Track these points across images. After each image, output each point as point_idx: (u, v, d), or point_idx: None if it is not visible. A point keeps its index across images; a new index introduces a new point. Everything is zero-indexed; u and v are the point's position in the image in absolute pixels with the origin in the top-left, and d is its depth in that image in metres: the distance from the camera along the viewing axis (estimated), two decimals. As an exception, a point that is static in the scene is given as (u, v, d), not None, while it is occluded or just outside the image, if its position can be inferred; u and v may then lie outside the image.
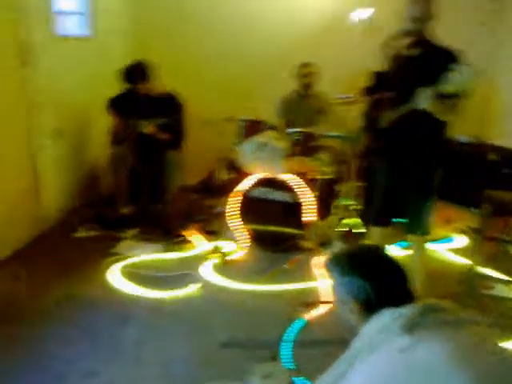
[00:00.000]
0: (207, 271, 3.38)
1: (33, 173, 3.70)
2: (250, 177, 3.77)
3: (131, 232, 3.91)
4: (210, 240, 3.86)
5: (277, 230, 3.74)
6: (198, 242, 3.80)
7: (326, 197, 4.01)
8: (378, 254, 1.56)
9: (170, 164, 4.03)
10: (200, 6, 5.22)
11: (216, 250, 3.65)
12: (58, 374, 2.34)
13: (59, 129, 3.94)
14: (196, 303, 3.02)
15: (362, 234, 3.96)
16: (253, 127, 3.91)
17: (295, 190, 3.66)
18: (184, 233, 3.91)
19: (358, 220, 4.09)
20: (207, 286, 3.21)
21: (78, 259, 3.46)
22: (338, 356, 1.43)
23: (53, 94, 3.85)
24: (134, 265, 3.43)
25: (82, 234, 3.85)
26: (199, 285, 3.18)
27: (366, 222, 3.56)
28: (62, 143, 4.00)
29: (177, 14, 5.22)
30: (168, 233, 3.92)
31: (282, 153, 3.66)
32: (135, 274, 3.27)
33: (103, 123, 4.23)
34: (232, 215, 3.77)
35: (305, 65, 4.38)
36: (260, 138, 3.72)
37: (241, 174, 4.13)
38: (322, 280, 3.28)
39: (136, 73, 3.95)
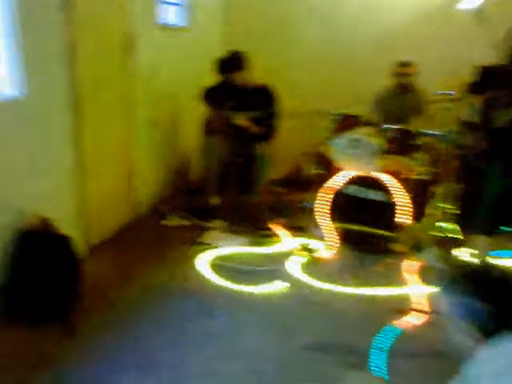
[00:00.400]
0: (294, 268, 3.32)
1: (128, 160, 3.81)
2: (341, 173, 3.63)
3: (219, 223, 3.93)
4: (295, 236, 3.79)
5: (367, 230, 3.58)
6: (284, 238, 3.74)
7: (421, 198, 3.78)
8: (499, 275, 1.43)
9: (260, 157, 3.99)
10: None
11: (303, 247, 3.57)
12: (147, 361, 2.38)
13: (154, 118, 4.03)
14: (282, 301, 2.96)
15: (458, 240, 3.72)
16: (346, 122, 3.77)
17: (389, 190, 3.49)
18: (271, 227, 3.87)
19: (455, 225, 3.83)
20: (294, 283, 3.14)
21: (166, 247, 3.54)
22: (432, 371, 1.32)
23: (150, 83, 3.94)
24: (220, 256, 3.44)
25: (171, 222, 3.93)
26: (286, 282, 3.12)
27: (467, 228, 3.31)
28: (155, 132, 4.10)
29: (271, 7, 5.18)
30: (255, 226, 3.89)
31: (376, 150, 3.49)
32: (222, 266, 3.27)
33: (196, 113, 4.28)
34: (321, 212, 3.66)
35: (403, 64, 4.15)
36: (354, 134, 3.57)
37: (331, 170, 4.01)
38: (415, 287, 3.10)
39: (232, 63, 3.93)
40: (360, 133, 3.57)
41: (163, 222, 3.92)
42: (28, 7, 2.54)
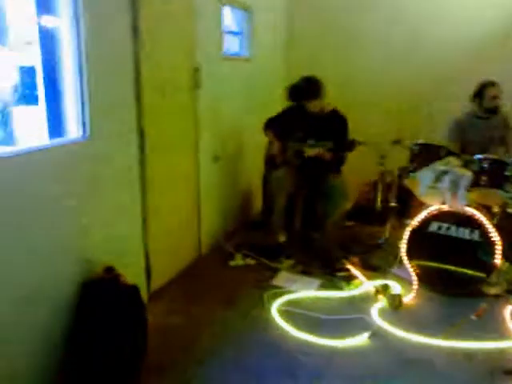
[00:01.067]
0: (377, 317, 2.98)
1: (192, 197, 3.62)
2: (427, 208, 3.29)
3: (288, 262, 3.65)
4: (370, 277, 3.45)
5: (456, 270, 3.21)
6: (361, 280, 3.41)
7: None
8: None
9: (333, 189, 3.70)
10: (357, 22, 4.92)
11: (383, 291, 3.23)
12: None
13: (217, 152, 3.85)
14: (372, 358, 2.62)
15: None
16: (429, 152, 3.44)
17: (480, 227, 3.12)
18: (345, 267, 3.55)
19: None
20: (381, 335, 2.81)
21: (234, 290, 3.27)
22: None
23: (214, 116, 3.77)
24: (295, 302, 3.14)
25: (238, 262, 3.67)
26: (372, 333, 2.78)
27: None
28: (218, 167, 3.90)
29: (336, 33, 4.98)
30: (328, 266, 3.59)
31: (466, 183, 3.14)
32: (298, 314, 2.98)
33: (259, 146, 4.08)
34: (405, 251, 3.32)
35: (493, 84, 3.79)
36: (442, 166, 3.24)
37: (410, 204, 3.70)
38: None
39: (308, 90, 3.67)
40: (448, 164, 3.24)
41: (230, 263, 3.67)
42: (98, 46, 2.40)
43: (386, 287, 3.26)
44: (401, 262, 3.46)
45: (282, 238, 3.87)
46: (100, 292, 2.47)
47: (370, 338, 2.75)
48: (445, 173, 3.20)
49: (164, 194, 3.13)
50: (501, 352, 2.64)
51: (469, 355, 2.62)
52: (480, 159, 3.28)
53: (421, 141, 3.53)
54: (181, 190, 3.44)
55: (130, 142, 2.78)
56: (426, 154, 3.44)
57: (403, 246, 3.34)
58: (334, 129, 3.71)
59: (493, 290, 3.23)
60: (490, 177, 3.23)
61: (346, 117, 3.78)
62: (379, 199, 4.19)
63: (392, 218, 4.08)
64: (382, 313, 3.02)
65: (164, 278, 3.27)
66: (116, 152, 2.66)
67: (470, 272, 3.19)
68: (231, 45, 4.28)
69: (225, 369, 2.49)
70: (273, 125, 3.88)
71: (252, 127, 4.18)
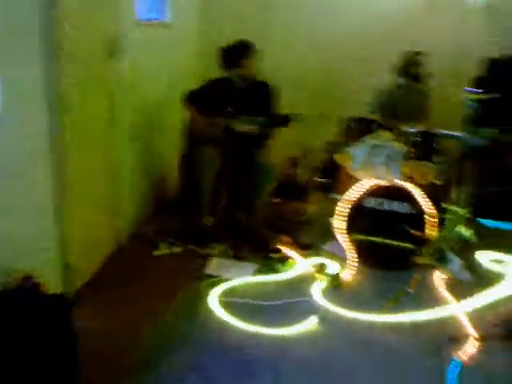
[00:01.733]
0: (320, 297, 2.89)
1: (113, 180, 3.21)
2: (361, 183, 3.24)
3: (219, 248, 3.42)
4: (304, 256, 3.35)
5: (390, 244, 3.22)
6: (297, 260, 3.29)
7: (438, 205, 3.48)
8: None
9: (261, 166, 3.50)
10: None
11: (321, 270, 3.14)
12: None
13: (136, 130, 3.45)
14: (323, 341, 2.51)
15: (476, 244, 3.47)
16: (361, 126, 3.38)
17: (415, 200, 3.14)
18: (279, 248, 3.41)
19: (471, 229, 3.57)
20: (328, 317, 2.71)
21: (166, 283, 2.97)
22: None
23: (131, 88, 3.34)
24: (233, 290, 2.94)
25: (163, 250, 3.36)
26: (318, 316, 2.68)
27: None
28: (136, 146, 3.51)
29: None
30: (260, 248, 3.42)
31: (401, 157, 3.13)
32: (239, 303, 2.78)
33: (176, 121, 3.74)
34: (339, 227, 3.25)
35: (418, 53, 3.83)
36: (376, 140, 3.19)
37: (340, 179, 3.64)
38: (457, 305, 2.78)
39: (241, 47, 3.42)
40: (382, 138, 3.19)
41: (155, 252, 3.34)
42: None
43: (323, 266, 3.18)
44: (334, 238, 3.40)
45: (209, 221, 3.62)
46: (16, 304, 2.06)
47: (318, 321, 2.65)
48: (379, 147, 3.16)
49: (78, 180, 2.69)
50: (442, 322, 2.69)
51: (414, 328, 2.63)
52: (412, 133, 3.28)
53: (353, 115, 3.46)
54: (96, 173, 3.01)
55: (37, 121, 2.33)
56: (358, 129, 3.37)
57: (337, 222, 3.28)
58: (263, 102, 3.50)
59: (423, 261, 3.30)
60: (421, 150, 3.26)
61: (275, 88, 3.58)
62: (304, 175, 4.10)
63: (318, 193, 4.01)
64: (325, 293, 2.93)
65: (85, 277, 2.87)
66: (23, 135, 2.20)
67: (402, 245, 3.22)
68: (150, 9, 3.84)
69: (171, 375, 2.22)
70: (195, 99, 3.56)
71: (171, 101, 3.82)
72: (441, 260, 3.30)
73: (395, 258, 3.23)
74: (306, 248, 3.49)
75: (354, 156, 3.22)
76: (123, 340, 2.42)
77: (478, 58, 4.16)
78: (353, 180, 3.43)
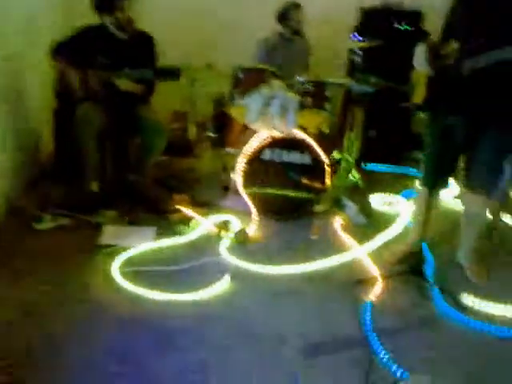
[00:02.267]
0: (228, 255, 2.80)
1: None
2: (256, 135, 3.15)
3: (110, 214, 3.12)
4: (204, 214, 3.21)
5: (288, 194, 3.22)
6: (197, 219, 3.14)
7: (330, 153, 3.55)
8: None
9: (146, 122, 3.23)
10: None
11: (225, 227, 3.04)
12: None
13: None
14: (242, 299, 2.43)
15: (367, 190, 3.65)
16: (252, 77, 3.24)
17: (308, 149, 3.15)
18: (176, 208, 3.22)
19: (359, 174, 3.73)
20: (240, 274, 2.64)
21: (57, 261, 2.63)
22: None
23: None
24: (135, 259, 2.70)
25: (47, 224, 2.97)
26: (228, 276, 2.59)
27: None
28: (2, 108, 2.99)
29: None
30: (155, 210, 3.21)
31: (295, 106, 3.08)
32: (144, 273, 2.57)
33: (45, 76, 3.27)
34: (237, 182, 3.16)
35: (297, 7, 3.76)
36: (268, 90, 3.09)
37: (230, 132, 3.52)
38: (359, 248, 2.90)
39: None
40: (274, 88, 3.10)
41: (37, 226, 2.93)
42: None
43: (226, 223, 3.09)
44: (232, 193, 3.31)
45: (95, 187, 3.28)
46: None
47: (231, 280, 2.57)
48: (273, 97, 3.08)
49: None
50: (346, 266, 2.78)
51: (324, 275, 2.68)
52: (302, 82, 3.24)
53: (243, 65, 3.30)
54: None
55: None
56: (249, 79, 3.24)
57: (236, 176, 3.18)
58: (145, 54, 3.19)
59: (322, 208, 3.36)
60: (313, 98, 3.24)
61: (155, 41, 3.28)
62: (192, 129, 3.90)
63: (209, 148, 3.86)
64: (231, 250, 2.85)
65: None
66: None
67: (301, 195, 3.23)
68: None
69: (83, 360, 1.99)
70: (65, 50, 3.12)
71: (36, 53, 3.31)
72: (337, 206, 3.41)
73: (295, 209, 3.25)
74: (204, 206, 3.35)
75: (249, 107, 3.10)
76: (16, 335, 2.10)
77: (356, 8, 4.26)
78: (247, 133, 3.34)
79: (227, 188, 3.57)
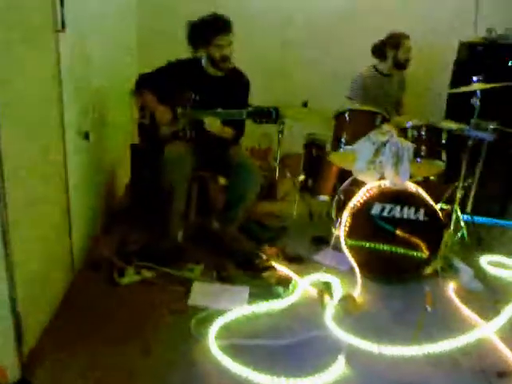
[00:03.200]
0: (336, 328, 2.41)
1: (64, 191, 2.45)
2: (365, 186, 2.79)
3: (197, 269, 2.79)
4: (298, 272, 2.82)
5: (395, 253, 2.82)
6: (295, 279, 2.77)
7: (436, 203, 3.14)
8: None
9: (241, 166, 2.92)
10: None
11: (326, 291, 2.66)
12: None
13: (87, 124, 2.68)
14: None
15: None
16: (361, 119, 2.90)
17: (425, 205, 2.75)
18: (270, 264, 2.87)
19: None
20: (354, 355, 2.24)
21: (143, 322, 2.33)
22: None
23: (78, 76, 2.58)
24: (232, 328, 2.35)
25: (131, 277, 2.66)
26: (342, 355, 2.20)
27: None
28: (89, 145, 2.74)
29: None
30: (247, 265, 2.87)
31: (410, 155, 2.71)
32: (243, 347, 2.21)
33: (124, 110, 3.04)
34: (342, 236, 2.79)
35: (407, 37, 3.44)
36: (379, 136, 2.73)
37: (330, 177, 3.18)
38: (485, 324, 2.46)
39: (215, 21, 2.78)
40: (386, 134, 2.74)
41: (121, 280, 2.64)
42: None
43: (328, 285, 2.71)
44: (332, 247, 2.95)
45: (180, 236, 2.98)
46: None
47: (346, 362, 2.18)
48: (384, 144, 2.72)
49: (25, 196, 1.95)
50: (475, 346, 2.34)
51: (452, 360, 2.26)
52: (416, 126, 2.87)
53: (354, 105, 2.97)
54: (43, 185, 2.23)
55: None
56: (357, 122, 2.89)
57: (340, 230, 2.81)
58: (239, 95, 2.92)
59: (429, 269, 2.95)
60: (428, 146, 2.86)
61: (248, 78, 3.02)
62: (276, 171, 3.58)
63: (297, 193, 3.52)
64: (338, 321, 2.46)
65: (39, 327, 2.15)
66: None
67: (411, 253, 2.83)
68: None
69: None
70: (150, 83, 2.89)
71: (114, 87, 3.10)
72: (449, 268, 2.99)
73: (404, 270, 2.84)
74: (296, 261, 3.00)
75: (358, 155, 2.75)
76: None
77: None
78: (335, 179, 3.02)
79: (318, 240, 3.23)
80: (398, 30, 3.55)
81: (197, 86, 2.89)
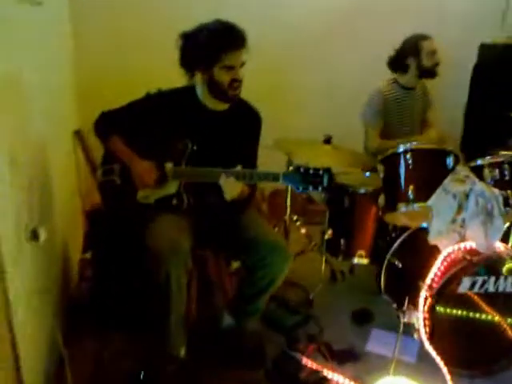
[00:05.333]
0: None
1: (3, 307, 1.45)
2: (440, 256, 1.99)
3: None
4: (353, 377, 1.99)
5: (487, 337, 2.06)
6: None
7: None
8: None
9: (254, 239, 2.00)
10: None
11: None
12: None
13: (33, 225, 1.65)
14: None
15: None
16: (426, 162, 2.09)
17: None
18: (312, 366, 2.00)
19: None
20: None
21: None
22: None
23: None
24: None
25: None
26: None
27: None
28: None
29: None
30: (284, 371, 1.98)
31: (501, 207, 1.94)
32: None
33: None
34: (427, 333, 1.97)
35: (426, 38, 2.71)
36: (456, 184, 1.95)
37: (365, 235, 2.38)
38: None
39: (227, 31, 1.87)
40: (465, 181, 1.96)
41: None
42: None
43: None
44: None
45: (183, 351, 2.02)
46: None
47: None
48: (467, 196, 1.95)
49: None
50: None
51: None
52: (493, 163, 2.11)
53: (414, 144, 2.15)
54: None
55: None
56: (422, 167, 2.08)
57: (421, 328, 1.99)
58: (247, 137, 2.04)
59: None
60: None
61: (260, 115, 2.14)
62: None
63: (323, 255, 2.66)
64: None
65: None
66: None
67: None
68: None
69: None
70: (119, 127, 1.95)
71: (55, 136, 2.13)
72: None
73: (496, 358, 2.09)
74: (349, 358, 2.15)
75: (436, 213, 1.95)
76: None
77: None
78: (404, 241, 2.20)
79: (361, 315, 2.42)
80: (413, 33, 2.83)
81: (193, 127, 1.96)
